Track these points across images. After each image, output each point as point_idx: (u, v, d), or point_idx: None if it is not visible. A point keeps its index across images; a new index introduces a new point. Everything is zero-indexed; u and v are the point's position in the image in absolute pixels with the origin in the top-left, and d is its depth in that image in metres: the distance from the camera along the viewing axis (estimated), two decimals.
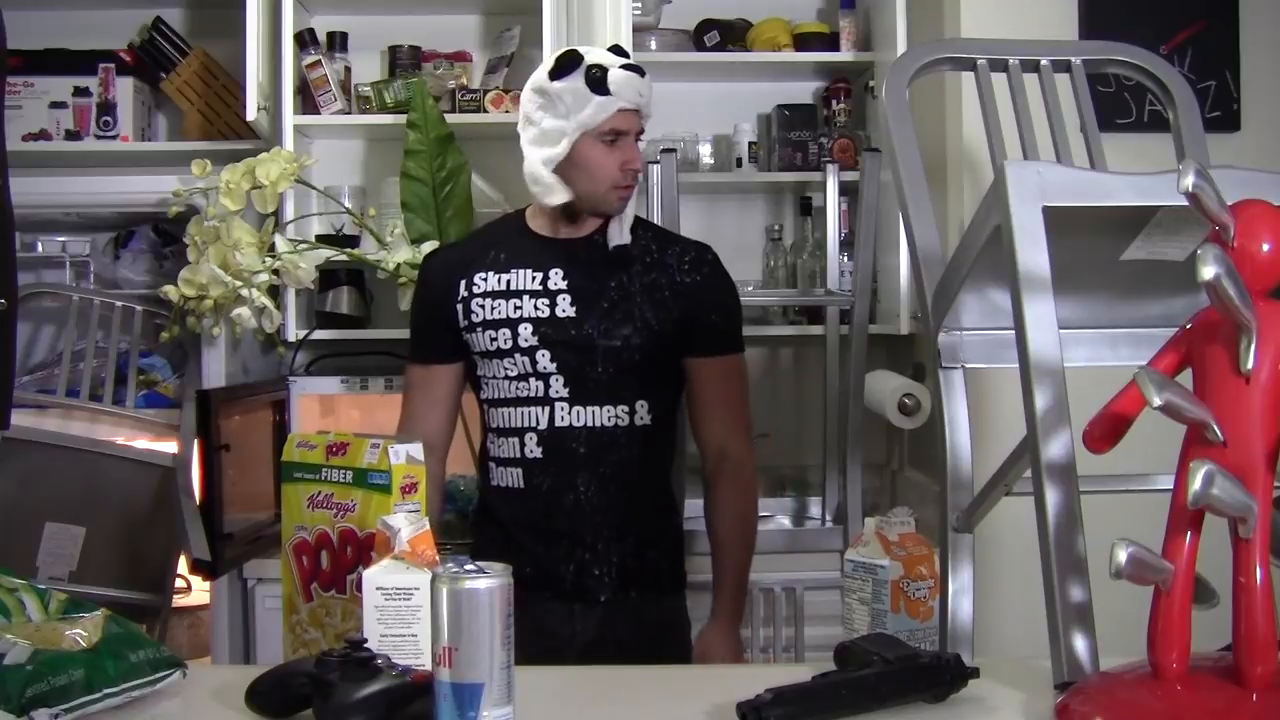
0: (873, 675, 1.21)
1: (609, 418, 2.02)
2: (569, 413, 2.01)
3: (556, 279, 2.04)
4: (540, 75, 2.01)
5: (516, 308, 2.03)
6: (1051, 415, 1.24)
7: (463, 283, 2.08)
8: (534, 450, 2.02)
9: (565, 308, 2.02)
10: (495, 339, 2.03)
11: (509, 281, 2.05)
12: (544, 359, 2.01)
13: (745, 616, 2.71)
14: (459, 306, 2.07)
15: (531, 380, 2.02)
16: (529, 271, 2.05)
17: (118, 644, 1.23)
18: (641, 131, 2.04)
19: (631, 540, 2.04)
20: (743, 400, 2.15)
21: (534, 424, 2.02)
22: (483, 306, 2.05)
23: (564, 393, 2.01)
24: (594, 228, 2.08)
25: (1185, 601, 1.11)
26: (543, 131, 2.00)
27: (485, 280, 2.07)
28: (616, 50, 2.05)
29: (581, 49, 2.02)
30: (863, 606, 1.59)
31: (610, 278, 2.04)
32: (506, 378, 2.04)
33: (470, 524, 2.22)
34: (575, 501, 2.01)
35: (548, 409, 2.01)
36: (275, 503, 2.61)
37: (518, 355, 2.02)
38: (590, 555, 2.02)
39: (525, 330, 2.02)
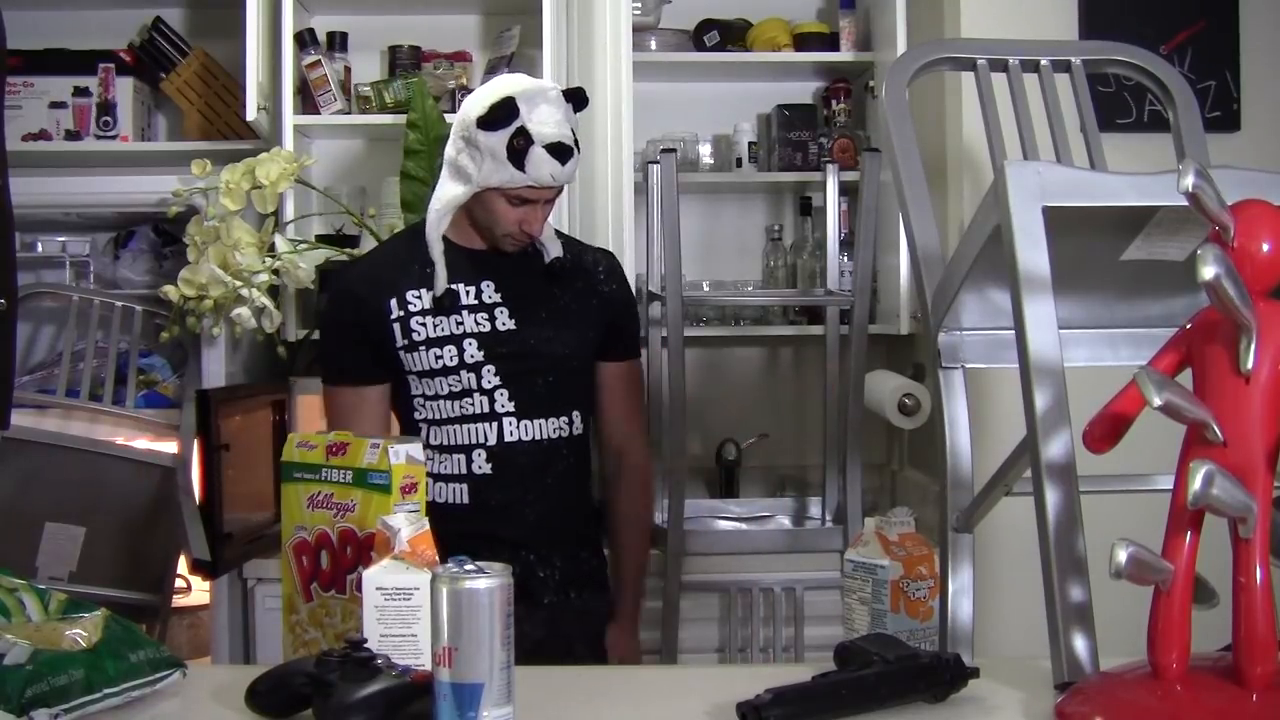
0: (873, 675, 1.21)
1: (554, 429, 2.03)
2: (517, 426, 2.01)
3: (489, 291, 2.02)
4: (471, 112, 1.94)
5: (458, 323, 2.00)
6: (1051, 415, 1.24)
7: (394, 301, 2.01)
8: (483, 467, 2.01)
9: (505, 320, 2.01)
10: (440, 356, 1.99)
11: (433, 299, 2.01)
12: (489, 373, 2.00)
13: (746, 616, 2.74)
14: (395, 326, 2.00)
15: (476, 396, 2.00)
16: (461, 285, 2.01)
17: (118, 644, 1.23)
18: (555, 196, 1.99)
19: (570, 544, 2.08)
20: (641, 402, 2.22)
21: (482, 440, 2.01)
22: (423, 325, 2.00)
23: (510, 407, 2.00)
24: None
25: (1185, 601, 1.11)
26: (457, 167, 1.96)
27: (420, 297, 2.01)
28: (573, 95, 1.97)
29: (523, 95, 1.92)
30: (863, 606, 1.59)
31: (540, 288, 2.04)
32: (449, 395, 2.00)
33: None
34: (522, 514, 2.02)
35: (495, 424, 2.00)
36: (275, 503, 2.61)
37: (463, 372, 1.99)
38: (535, 559, 2.03)
39: (470, 346, 2.00)
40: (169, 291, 2.63)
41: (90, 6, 3.19)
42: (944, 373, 1.59)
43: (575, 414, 2.06)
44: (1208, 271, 1.04)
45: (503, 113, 1.90)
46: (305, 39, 2.98)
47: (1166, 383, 1.07)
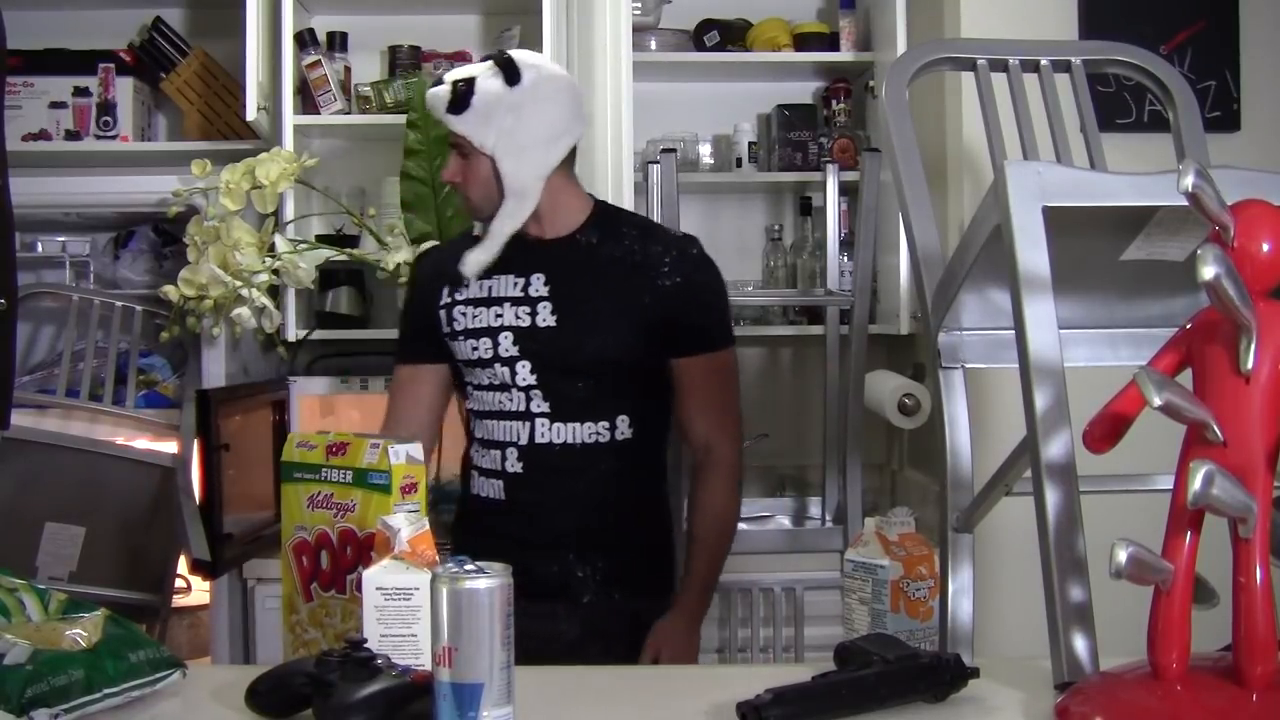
0: (873, 675, 1.21)
1: (589, 434, 1.99)
2: (549, 429, 1.99)
3: (538, 285, 2.00)
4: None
5: (498, 315, 2.00)
6: (1051, 415, 1.24)
7: (446, 288, 2.06)
8: (514, 465, 2.00)
9: (546, 317, 1.99)
10: (476, 348, 2.01)
11: (491, 288, 2.02)
12: (524, 370, 1.98)
13: (746, 617, 2.74)
14: (441, 313, 2.05)
15: (513, 392, 1.99)
16: (511, 277, 2.01)
17: (117, 644, 1.23)
18: (466, 149, 1.97)
19: (616, 549, 2.02)
20: (729, 396, 2.09)
21: (515, 439, 2.00)
22: (464, 314, 2.02)
23: (544, 408, 1.98)
24: (574, 226, 2.03)
25: (1185, 601, 1.11)
26: None
27: (468, 286, 2.03)
28: (499, 59, 1.97)
29: (476, 64, 2.02)
30: (863, 606, 1.59)
31: (593, 283, 2.00)
32: (490, 387, 2.01)
33: (454, 525, 2.18)
34: (556, 515, 2.00)
35: (528, 424, 1.99)
36: (275, 503, 2.61)
37: (498, 365, 2.00)
38: (574, 558, 2.00)
39: (505, 340, 1.99)
40: (169, 291, 2.63)
41: (90, 6, 3.19)
42: (944, 373, 1.59)
43: (621, 419, 1.99)
44: (1208, 271, 1.04)
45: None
46: (305, 39, 2.98)
47: (1166, 383, 1.07)
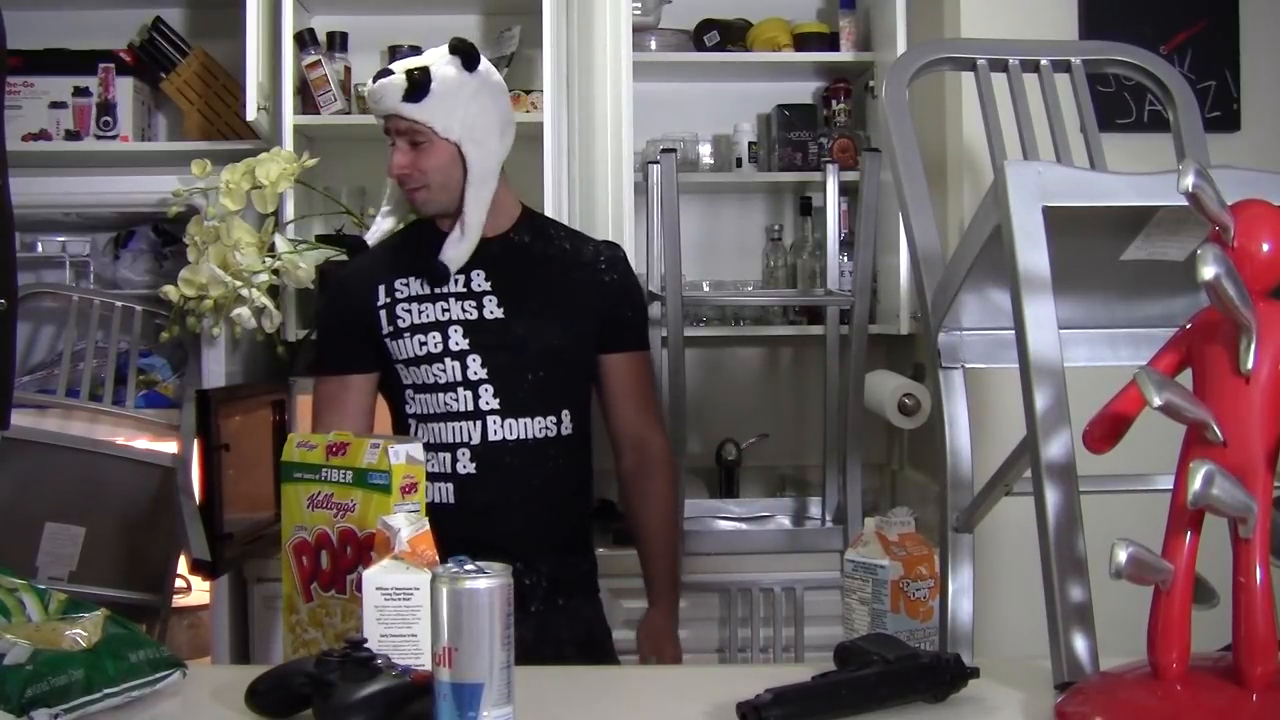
0: (873, 675, 1.21)
1: (539, 429, 1.99)
2: (501, 426, 1.97)
3: (479, 280, 2.00)
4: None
5: (444, 310, 1.98)
6: (1051, 415, 1.24)
7: (382, 288, 2.01)
8: (466, 466, 1.98)
9: (493, 309, 1.99)
10: (425, 343, 1.98)
11: (428, 284, 2.01)
12: (474, 363, 1.97)
13: (746, 616, 2.74)
14: (381, 313, 2.00)
15: (460, 390, 1.97)
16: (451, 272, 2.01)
17: (117, 644, 1.23)
18: (420, 138, 1.95)
19: (559, 549, 2.04)
20: (652, 393, 2.18)
21: (466, 439, 1.98)
22: (408, 311, 1.99)
23: (494, 404, 1.97)
24: (507, 226, 2.05)
25: (1185, 601, 1.11)
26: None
27: (408, 285, 2.01)
28: (455, 44, 1.99)
29: (426, 53, 2.01)
30: (863, 606, 1.59)
31: (532, 278, 2.02)
32: (436, 387, 1.98)
33: None
34: (508, 516, 1.99)
35: (479, 422, 1.97)
36: (275, 503, 2.61)
37: (448, 360, 1.97)
38: (522, 565, 1.96)
39: (455, 333, 1.98)
40: (169, 291, 2.63)
41: (90, 6, 3.19)
42: (944, 373, 1.59)
43: (565, 413, 2.01)
44: (1208, 271, 1.04)
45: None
46: (305, 39, 2.98)
47: (1166, 383, 1.07)
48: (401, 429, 2.05)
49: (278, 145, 2.82)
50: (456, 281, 2.00)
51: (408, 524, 1.30)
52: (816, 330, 3.04)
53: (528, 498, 1.99)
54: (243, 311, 2.60)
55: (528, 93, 3.00)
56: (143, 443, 2.90)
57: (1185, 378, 1.14)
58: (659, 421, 2.17)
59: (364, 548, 1.38)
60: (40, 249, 3.15)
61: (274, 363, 3.02)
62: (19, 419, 2.21)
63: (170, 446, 2.88)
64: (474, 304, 1.99)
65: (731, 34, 3.21)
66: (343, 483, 1.43)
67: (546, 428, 2.00)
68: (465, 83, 1.96)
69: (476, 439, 1.98)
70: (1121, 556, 1.06)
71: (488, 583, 1.09)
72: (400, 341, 1.99)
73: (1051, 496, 1.22)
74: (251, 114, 2.80)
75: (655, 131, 3.16)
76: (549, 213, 2.74)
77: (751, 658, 2.73)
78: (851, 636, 1.48)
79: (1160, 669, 1.12)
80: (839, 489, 2.84)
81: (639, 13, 2.99)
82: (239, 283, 2.58)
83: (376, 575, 1.26)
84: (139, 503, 2.62)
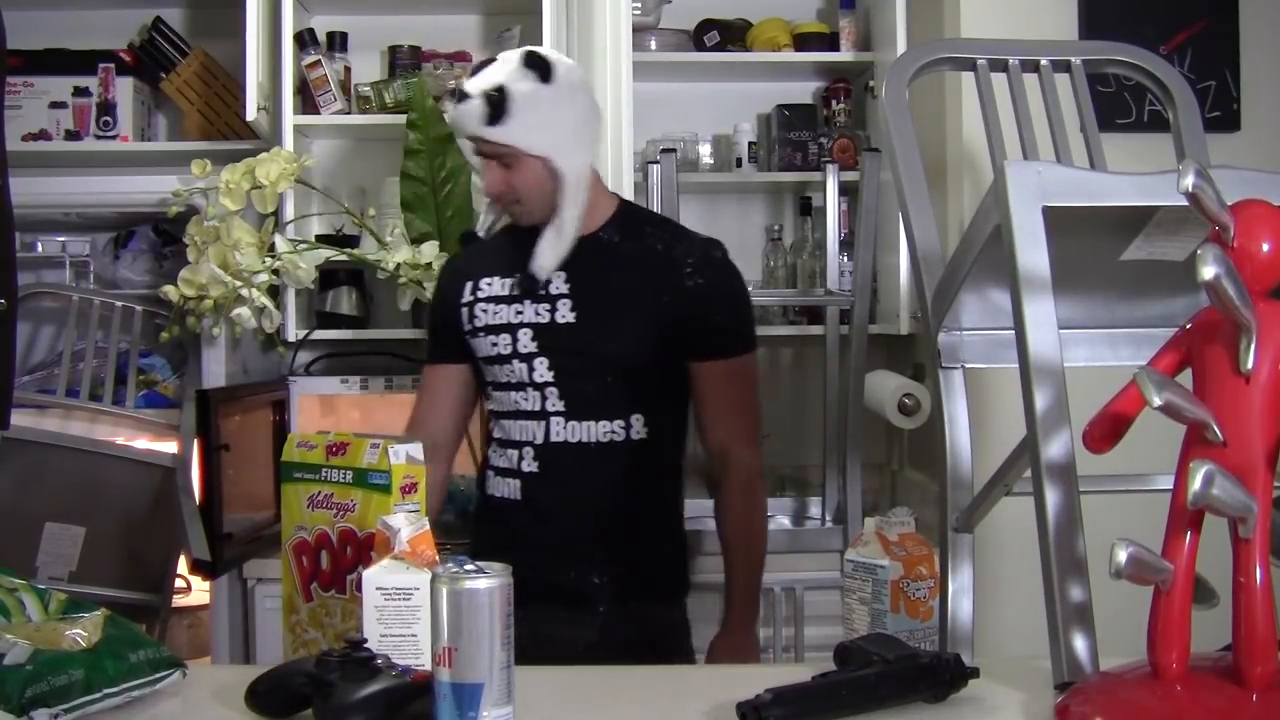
0: (873, 675, 1.21)
1: (603, 433, 1.98)
2: (564, 428, 1.98)
3: (559, 282, 1.99)
4: None
5: (518, 312, 2.00)
6: (1051, 415, 1.24)
7: (468, 286, 2.07)
8: (530, 465, 2.00)
9: (565, 313, 1.98)
10: (495, 344, 2.01)
11: (509, 284, 2.03)
12: (541, 366, 1.98)
13: None
14: (463, 310, 2.06)
15: (529, 390, 1.99)
16: (525, 274, 2.01)
17: (117, 644, 1.23)
18: (498, 155, 1.94)
19: (630, 551, 2.02)
20: (747, 401, 2.08)
21: (531, 438, 2.00)
22: (485, 311, 2.03)
23: (559, 406, 1.98)
24: (599, 223, 2.02)
25: (1185, 601, 1.11)
26: None
27: (490, 284, 2.05)
28: (529, 58, 1.94)
29: (497, 60, 1.96)
30: (863, 606, 1.59)
31: (613, 281, 1.99)
32: (508, 385, 2.01)
33: (471, 528, 2.18)
34: (572, 516, 1.99)
35: (544, 423, 1.99)
36: (275, 503, 2.61)
37: (515, 361, 2.00)
38: (589, 565, 1.99)
39: (524, 336, 1.99)
40: (169, 291, 2.63)
41: (90, 6, 3.19)
42: (944, 373, 1.59)
43: (636, 418, 1.98)
44: (1208, 271, 1.04)
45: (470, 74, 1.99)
46: (305, 39, 2.98)
47: (1166, 383, 1.07)
48: (487, 420, 2.13)
49: (278, 145, 2.82)
50: (536, 283, 2.00)
51: (408, 524, 1.29)
52: (816, 330, 3.04)
53: (591, 500, 1.99)
54: (243, 311, 2.60)
55: None
56: (143, 443, 2.90)
57: (1185, 378, 1.14)
58: (747, 434, 2.08)
59: (364, 548, 1.38)
60: (40, 249, 3.15)
61: (274, 363, 3.03)
62: (19, 419, 2.21)
63: (170, 446, 2.88)
64: (548, 307, 1.99)
65: (731, 34, 3.21)
66: (343, 483, 1.43)
67: (613, 432, 1.98)
68: (544, 96, 1.92)
69: (540, 439, 1.99)
70: (1121, 556, 1.06)
71: (488, 583, 1.09)
72: (477, 340, 2.05)
73: (1051, 496, 1.22)
74: (251, 114, 2.80)
75: (655, 131, 3.16)
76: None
77: None
78: (851, 636, 1.47)
79: (1160, 669, 1.12)
80: (839, 489, 2.84)
81: (639, 13, 2.99)
82: (239, 283, 2.58)
83: (376, 575, 1.26)
84: (139, 503, 2.62)
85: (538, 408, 1.99)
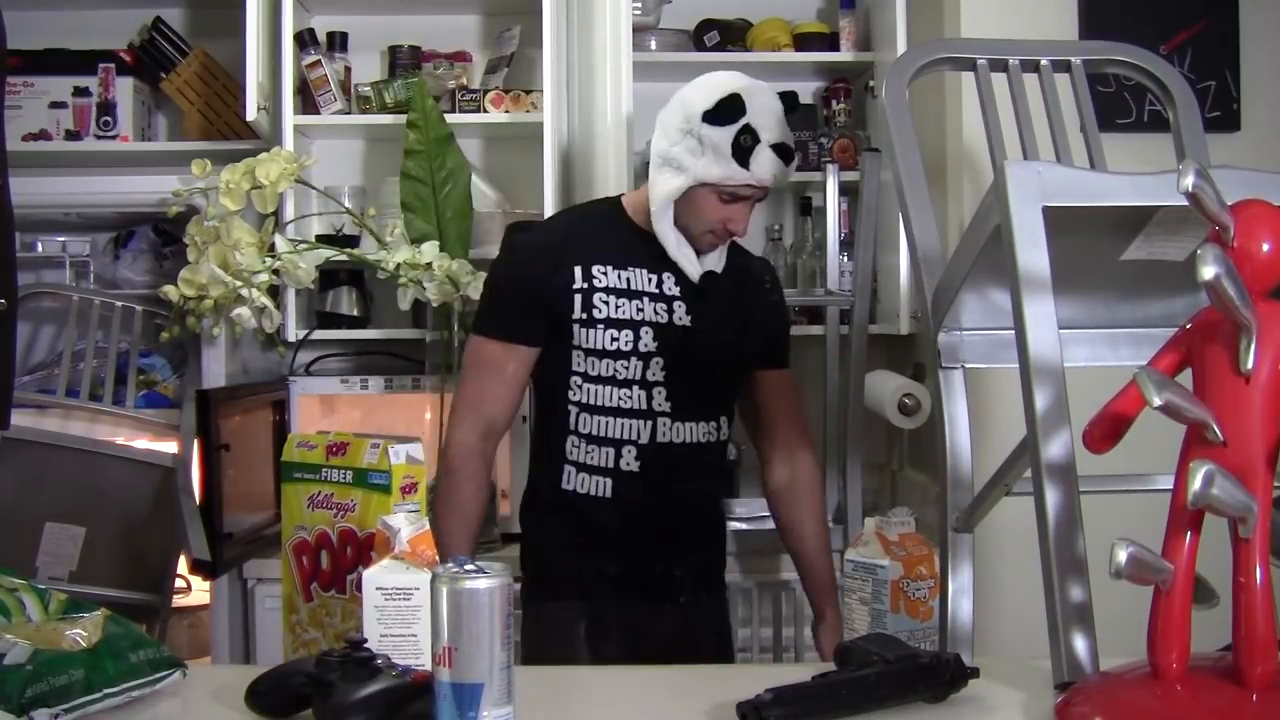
0: (873, 675, 1.21)
1: (704, 433, 2.01)
2: (670, 428, 1.98)
3: (670, 284, 2.00)
4: (697, 104, 1.94)
5: (639, 309, 1.97)
6: (1051, 415, 1.24)
7: (578, 270, 1.97)
8: (631, 464, 1.97)
9: (681, 315, 1.99)
10: (616, 339, 1.96)
11: (629, 280, 1.99)
12: (656, 366, 1.97)
13: (746, 616, 2.74)
14: (576, 297, 1.96)
15: (635, 389, 1.97)
16: (644, 271, 2.00)
17: (118, 644, 1.23)
18: (763, 197, 1.99)
19: (706, 544, 2.11)
20: (800, 408, 2.22)
21: (634, 437, 1.97)
22: (606, 303, 1.96)
23: (665, 407, 1.98)
24: None
25: (1185, 601, 1.11)
26: (672, 157, 1.95)
27: (605, 274, 1.98)
28: (789, 99, 1.99)
29: (749, 90, 1.93)
30: (863, 606, 1.59)
31: (716, 290, 2.03)
32: (611, 381, 1.97)
33: (523, 519, 2.12)
34: (667, 514, 2.01)
35: (650, 423, 1.97)
36: (275, 503, 2.61)
37: (633, 359, 1.97)
38: (675, 559, 2.03)
39: (646, 335, 1.97)
40: (169, 291, 2.63)
41: (90, 6, 3.19)
42: (944, 373, 1.59)
43: (724, 419, 2.06)
44: (1208, 271, 1.04)
45: (730, 108, 1.91)
46: (305, 39, 2.98)
47: (1166, 383, 1.07)
48: (549, 409, 2.02)
49: (278, 145, 2.82)
50: (650, 280, 2.00)
51: (408, 524, 1.30)
52: (816, 330, 3.04)
53: (682, 497, 2.02)
54: (243, 311, 2.60)
55: (528, 93, 3.00)
56: (143, 443, 2.90)
57: (1185, 378, 1.14)
58: (808, 437, 2.20)
59: (364, 548, 1.39)
60: (40, 249, 3.15)
61: (274, 363, 3.03)
62: (19, 419, 2.20)
63: (170, 446, 2.88)
64: (665, 307, 1.99)
65: (731, 34, 3.21)
66: (343, 483, 1.43)
67: (709, 432, 2.03)
68: None
69: (645, 438, 1.98)
70: (1121, 556, 1.06)
71: (488, 583, 1.09)
72: (592, 331, 1.96)
73: (1051, 496, 1.22)
74: (251, 114, 2.80)
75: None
76: (548, 212, 2.74)
77: (752, 658, 2.73)
78: (851, 636, 1.48)
79: (1160, 669, 1.12)
80: (839, 489, 2.84)
81: (639, 13, 2.99)
82: (239, 283, 2.58)
83: (376, 575, 1.26)
84: (139, 503, 2.62)
85: (643, 406, 1.97)
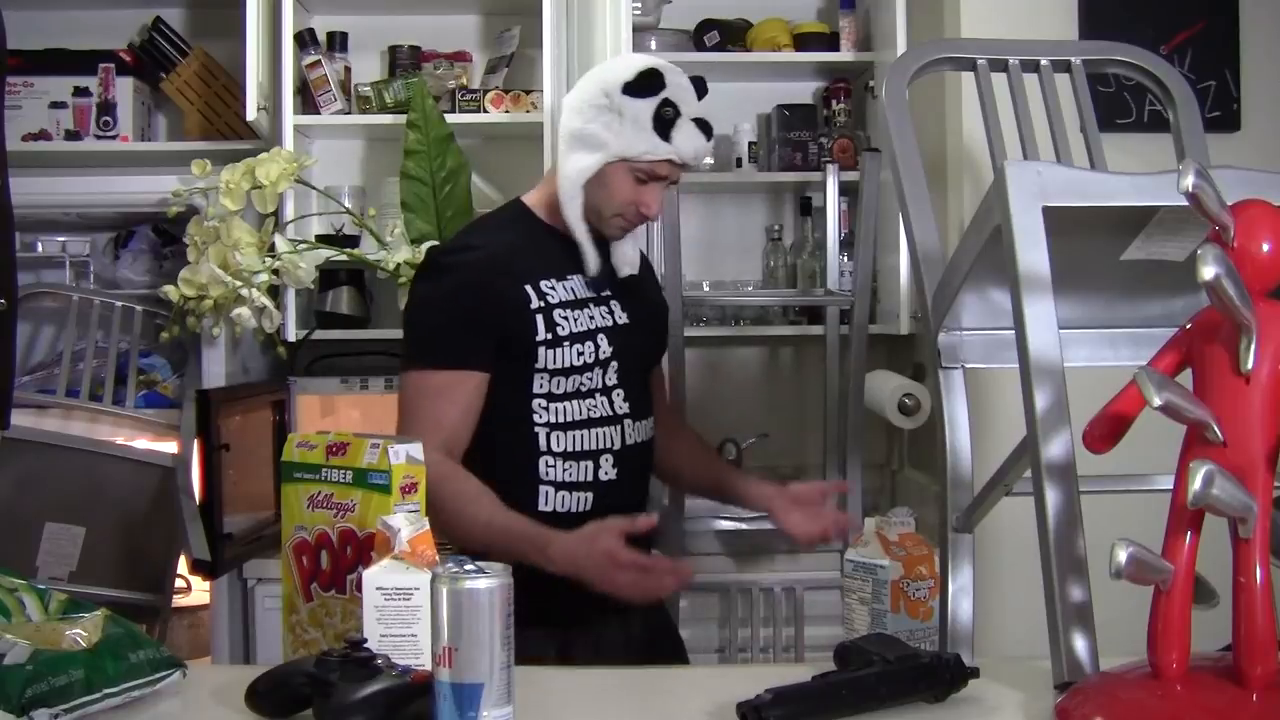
0: (873, 675, 1.21)
1: (648, 431, 1.99)
2: (633, 429, 1.94)
3: (603, 283, 1.95)
4: (614, 78, 1.86)
5: (591, 318, 1.90)
6: (1051, 415, 1.24)
7: (529, 288, 1.86)
8: (609, 473, 1.90)
9: (619, 314, 1.95)
10: (582, 353, 1.87)
11: (572, 288, 1.91)
12: (613, 370, 1.92)
13: (746, 617, 2.74)
14: (537, 318, 1.85)
15: (599, 397, 1.90)
16: (579, 276, 1.92)
17: (118, 644, 1.23)
18: (677, 180, 1.93)
19: (654, 543, 2.07)
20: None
21: (609, 445, 1.90)
22: (566, 319, 1.87)
23: (625, 408, 1.93)
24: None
25: (1185, 601, 1.11)
26: (586, 134, 1.86)
27: (554, 288, 1.88)
28: (698, 83, 1.91)
29: (666, 68, 1.87)
30: (863, 606, 1.59)
31: (632, 281, 2.00)
32: (578, 395, 1.89)
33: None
34: (634, 516, 1.93)
35: (618, 427, 1.92)
36: (275, 503, 2.61)
37: (596, 369, 1.90)
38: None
39: (602, 341, 1.90)
40: (169, 291, 2.63)
41: (90, 6, 3.19)
42: (944, 373, 1.59)
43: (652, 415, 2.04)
44: (1208, 271, 1.04)
45: (651, 81, 1.85)
46: (305, 39, 2.98)
47: (1166, 383, 1.07)
48: (506, 438, 1.88)
49: (278, 145, 2.82)
50: (586, 286, 1.93)
51: (408, 524, 1.30)
52: (816, 330, 3.04)
53: (644, 498, 2.01)
54: (243, 311, 2.60)
55: (528, 93, 3.00)
56: (143, 443, 2.91)
57: (1185, 378, 1.14)
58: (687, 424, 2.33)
59: (364, 548, 1.38)
60: (40, 249, 3.16)
61: (274, 363, 3.03)
62: (19, 419, 2.21)
63: (170, 446, 2.88)
64: (606, 310, 1.93)
65: (731, 34, 3.21)
66: (343, 483, 1.43)
67: (652, 428, 2.00)
68: None
69: (617, 443, 1.92)
70: (1121, 556, 1.06)
71: (488, 583, 1.09)
72: (558, 350, 1.86)
73: (1051, 496, 1.22)
74: (251, 114, 2.80)
75: None
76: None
77: (751, 658, 2.73)
78: (851, 636, 1.48)
79: (1160, 669, 1.12)
80: None
81: (639, 13, 2.99)
82: (239, 283, 2.58)
83: (376, 575, 1.26)
84: (139, 503, 2.62)
85: (609, 412, 1.91)
